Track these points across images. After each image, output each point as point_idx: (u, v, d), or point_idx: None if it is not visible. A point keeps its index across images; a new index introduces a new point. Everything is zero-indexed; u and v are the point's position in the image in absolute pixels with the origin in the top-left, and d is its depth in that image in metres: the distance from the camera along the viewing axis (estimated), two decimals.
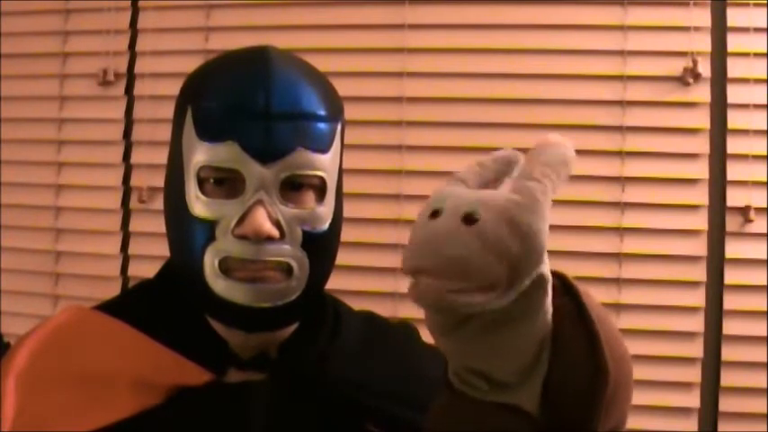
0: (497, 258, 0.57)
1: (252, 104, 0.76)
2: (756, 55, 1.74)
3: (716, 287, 1.76)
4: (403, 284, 1.81)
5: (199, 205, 0.77)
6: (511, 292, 0.58)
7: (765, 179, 1.73)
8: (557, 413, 0.61)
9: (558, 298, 0.63)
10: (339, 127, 0.82)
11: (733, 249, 1.75)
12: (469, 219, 0.58)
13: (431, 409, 0.68)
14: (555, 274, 0.65)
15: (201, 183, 0.78)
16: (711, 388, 1.75)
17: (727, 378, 1.73)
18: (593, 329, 0.62)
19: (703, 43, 1.77)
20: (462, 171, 0.66)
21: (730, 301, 1.74)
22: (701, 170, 1.77)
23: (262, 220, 0.75)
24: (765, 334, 1.71)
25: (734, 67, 1.76)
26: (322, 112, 0.79)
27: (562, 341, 0.62)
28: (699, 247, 1.76)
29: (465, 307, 0.58)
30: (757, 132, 1.73)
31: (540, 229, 0.58)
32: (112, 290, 1.84)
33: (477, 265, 0.57)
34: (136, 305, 0.87)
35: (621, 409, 0.64)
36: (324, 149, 0.78)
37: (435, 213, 0.59)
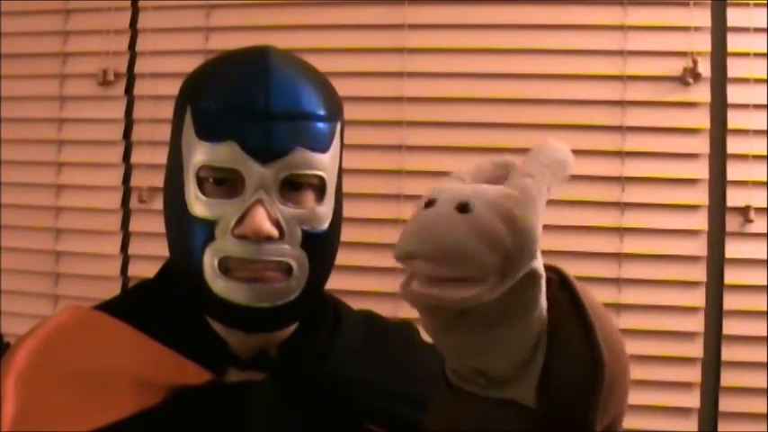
0: (489, 249, 0.57)
1: (251, 104, 0.76)
2: (756, 55, 1.74)
3: (716, 287, 1.76)
4: None
5: (198, 205, 0.77)
6: (502, 285, 0.58)
7: (765, 179, 1.73)
8: (554, 406, 0.61)
9: (554, 292, 0.63)
10: (339, 127, 0.82)
11: (733, 249, 1.75)
12: (463, 208, 0.58)
13: (430, 406, 0.68)
14: (552, 269, 0.65)
15: (201, 183, 0.78)
16: (711, 388, 1.75)
17: (727, 378, 1.73)
18: (589, 323, 0.62)
19: (703, 43, 1.77)
20: (459, 170, 0.67)
21: (730, 301, 1.74)
22: (701, 170, 1.77)
23: (261, 220, 0.75)
24: (765, 334, 1.71)
25: (734, 67, 1.76)
26: (321, 112, 0.79)
27: (558, 335, 0.62)
28: (699, 247, 1.76)
29: (455, 303, 0.58)
30: (757, 132, 1.74)
31: (533, 224, 0.58)
32: (112, 290, 1.83)
33: (469, 252, 0.57)
34: (136, 305, 0.87)
35: (619, 404, 0.64)
36: (323, 149, 0.78)
37: (430, 203, 0.60)
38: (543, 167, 0.61)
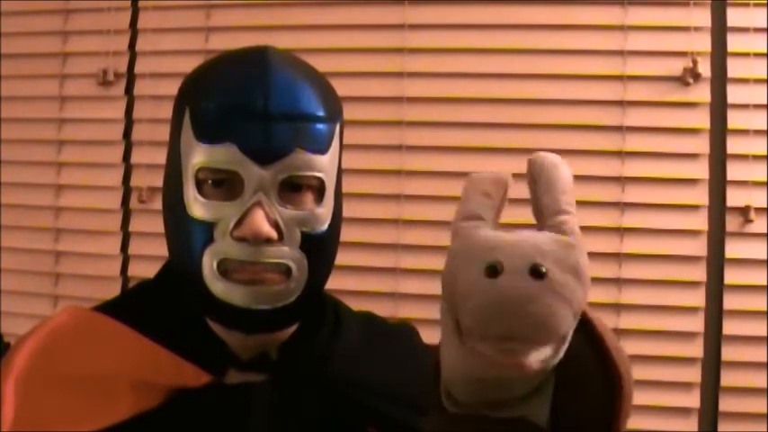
0: (570, 308, 0.57)
1: (250, 105, 0.75)
2: (756, 55, 1.74)
3: (716, 287, 1.76)
4: (403, 284, 1.82)
5: (197, 207, 0.77)
6: (570, 335, 0.58)
7: (765, 179, 1.73)
8: (571, 424, 0.60)
9: None
10: (338, 127, 0.81)
11: (733, 249, 1.75)
12: (537, 273, 0.57)
13: (426, 426, 0.66)
14: None
15: (200, 184, 0.77)
16: (711, 388, 1.74)
17: (727, 378, 1.73)
18: (600, 337, 0.61)
19: (703, 43, 1.77)
20: (471, 205, 0.64)
21: (730, 301, 1.74)
22: (701, 170, 1.77)
23: (260, 222, 0.74)
24: (765, 334, 1.71)
25: (734, 67, 1.76)
26: (321, 113, 0.78)
27: (567, 351, 0.60)
28: (699, 247, 1.76)
29: (545, 365, 0.57)
30: (757, 132, 1.73)
31: (587, 264, 0.59)
32: (112, 290, 1.84)
33: (559, 320, 0.56)
34: (135, 306, 0.87)
35: (629, 413, 0.63)
36: (322, 150, 0.78)
37: (494, 271, 0.58)
38: (566, 195, 0.61)
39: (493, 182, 0.65)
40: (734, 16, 1.76)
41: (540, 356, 0.57)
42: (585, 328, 0.62)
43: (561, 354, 0.58)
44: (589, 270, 0.59)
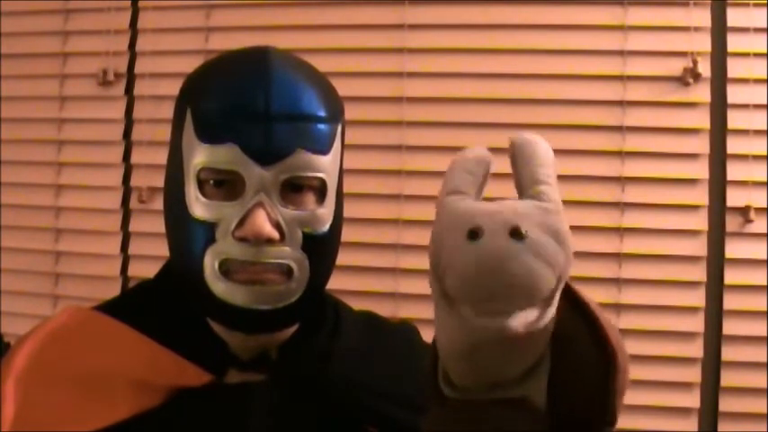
0: (552, 270, 0.57)
1: (252, 106, 0.75)
2: (756, 55, 1.74)
3: (716, 287, 1.76)
4: (403, 284, 1.82)
5: (199, 207, 0.77)
6: (556, 301, 0.59)
7: (765, 179, 1.73)
8: (567, 404, 0.60)
9: None
10: (339, 128, 0.81)
11: (733, 249, 1.75)
12: (517, 234, 0.57)
13: (427, 421, 0.66)
14: None
15: (201, 184, 0.77)
16: (711, 388, 1.75)
17: (727, 378, 1.73)
18: (592, 314, 0.62)
19: (703, 43, 1.77)
20: (455, 181, 0.65)
21: (730, 301, 1.75)
22: (701, 170, 1.77)
23: (261, 222, 0.74)
24: (765, 334, 1.71)
25: (734, 67, 1.76)
26: (322, 114, 0.78)
27: (561, 329, 0.61)
28: (699, 247, 1.76)
29: (530, 329, 0.57)
30: (757, 132, 1.73)
31: (569, 232, 0.60)
32: (112, 290, 1.83)
33: (540, 280, 0.57)
34: (135, 306, 0.87)
35: (624, 390, 0.64)
36: (324, 151, 0.78)
37: (474, 234, 0.59)
38: (546, 168, 0.62)
39: (475, 160, 0.67)
40: (734, 16, 1.76)
41: (523, 319, 0.57)
42: (578, 306, 0.63)
43: (546, 318, 0.58)
44: (571, 238, 0.60)
